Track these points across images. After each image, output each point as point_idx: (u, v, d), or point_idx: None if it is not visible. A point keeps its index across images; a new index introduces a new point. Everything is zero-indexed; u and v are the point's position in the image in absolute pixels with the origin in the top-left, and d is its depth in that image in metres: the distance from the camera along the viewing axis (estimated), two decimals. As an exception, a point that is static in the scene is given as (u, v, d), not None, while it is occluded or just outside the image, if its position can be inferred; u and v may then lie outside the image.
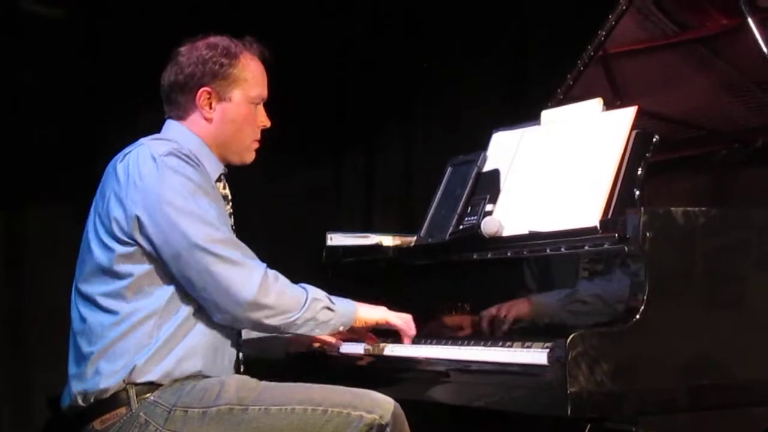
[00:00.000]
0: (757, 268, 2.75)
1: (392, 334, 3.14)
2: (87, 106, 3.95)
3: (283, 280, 2.91)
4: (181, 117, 3.04)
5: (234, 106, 3.04)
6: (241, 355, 3.05)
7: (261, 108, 3.10)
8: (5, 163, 3.82)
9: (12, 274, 3.86)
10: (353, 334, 3.14)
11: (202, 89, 3.01)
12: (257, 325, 2.92)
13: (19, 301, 3.85)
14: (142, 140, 2.97)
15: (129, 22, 3.99)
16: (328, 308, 2.95)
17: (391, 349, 3.10)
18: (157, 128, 3.07)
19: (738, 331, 2.71)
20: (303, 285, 2.96)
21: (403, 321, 3.08)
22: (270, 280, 2.87)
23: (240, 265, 2.85)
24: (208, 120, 3.03)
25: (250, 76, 3.05)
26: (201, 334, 2.90)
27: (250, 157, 3.11)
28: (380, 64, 4.48)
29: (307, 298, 2.91)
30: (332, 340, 3.23)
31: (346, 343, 3.24)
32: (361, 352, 3.18)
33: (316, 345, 3.27)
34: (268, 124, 3.11)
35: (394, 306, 3.12)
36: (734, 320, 2.72)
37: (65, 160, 3.89)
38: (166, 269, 2.87)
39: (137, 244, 2.86)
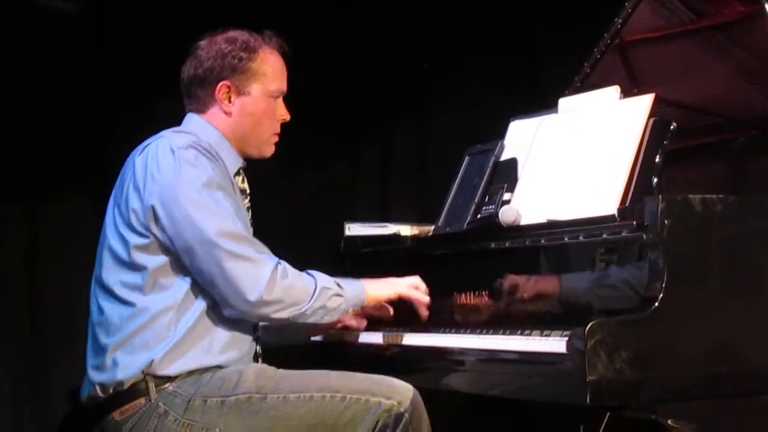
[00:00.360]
0: (775, 255, 2.74)
1: (409, 322, 3.14)
2: (101, 101, 3.96)
3: (292, 273, 2.90)
4: (201, 110, 3.05)
5: (253, 99, 3.04)
6: (258, 346, 3.05)
7: (280, 101, 3.09)
8: (21, 159, 3.84)
9: (28, 269, 3.87)
10: (367, 310, 3.16)
11: (221, 83, 3.01)
12: (266, 319, 2.94)
13: (35, 297, 3.87)
14: (163, 132, 2.98)
15: (142, 16, 3.99)
16: (338, 294, 2.95)
17: (409, 338, 3.10)
18: (172, 121, 3.08)
19: (756, 319, 2.70)
20: (312, 273, 2.95)
21: (414, 289, 3.07)
22: (278, 275, 2.85)
23: (250, 261, 2.85)
24: (228, 114, 3.03)
25: (270, 70, 3.05)
26: (219, 327, 2.90)
27: (269, 150, 3.11)
28: (393, 56, 4.48)
29: (315, 289, 2.91)
30: (353, 323, 3.24)
31: (364, 333, 3.25)
32: (379, 341, 3.18)
33: (336, 328, 3.27)
34: (287, 117, 3.11)
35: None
36: (752, 308, 2.71)
37: (80, 155, 3.91)
38: (180, 262, 2.87)
39: (153, 235, 2.87)
